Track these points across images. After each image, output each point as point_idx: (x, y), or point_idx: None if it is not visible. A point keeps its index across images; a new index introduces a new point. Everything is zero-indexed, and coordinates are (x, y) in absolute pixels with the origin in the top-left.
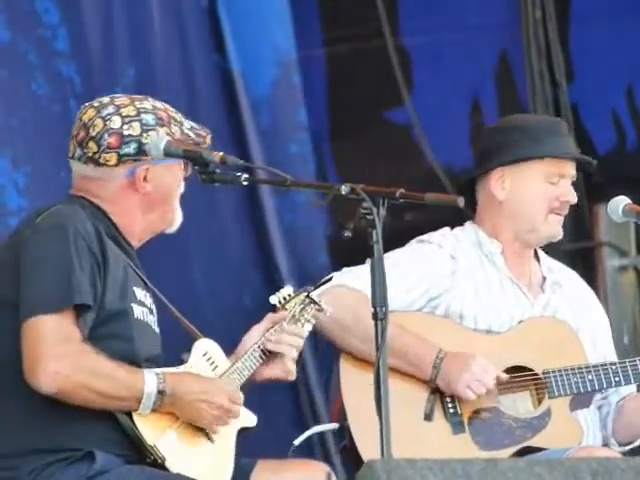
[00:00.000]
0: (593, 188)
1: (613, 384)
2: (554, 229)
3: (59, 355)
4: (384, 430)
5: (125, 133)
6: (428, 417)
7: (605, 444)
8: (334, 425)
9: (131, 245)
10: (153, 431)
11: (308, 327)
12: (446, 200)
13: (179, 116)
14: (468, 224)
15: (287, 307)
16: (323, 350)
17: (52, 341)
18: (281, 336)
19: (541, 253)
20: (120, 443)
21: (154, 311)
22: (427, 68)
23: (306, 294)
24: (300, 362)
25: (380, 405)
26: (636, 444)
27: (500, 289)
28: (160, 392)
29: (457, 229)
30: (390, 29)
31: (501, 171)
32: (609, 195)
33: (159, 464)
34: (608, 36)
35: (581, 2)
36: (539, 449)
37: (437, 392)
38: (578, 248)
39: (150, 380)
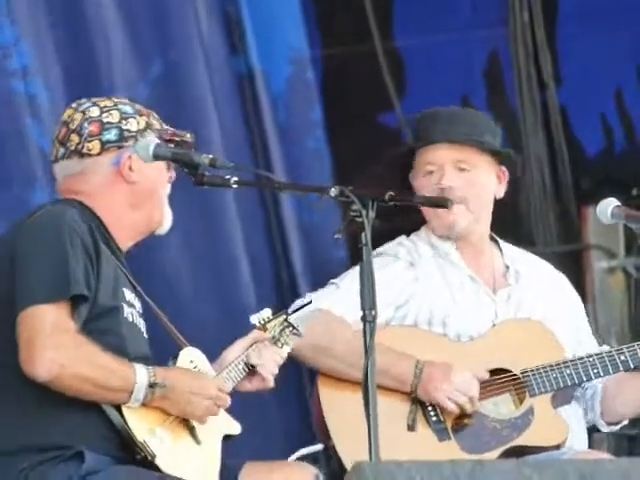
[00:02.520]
0: (581, 191)
1: (592, 376)
2: (444, 220)
3: (57, 345)
4: (372, 433)
5: (104, 120)
6: (411, 427)
7: (593, 425)
8: (319, 446)
9: (119, 249)
10: (143, 428)
11: (287, 349)
12: (435, 201)
13: (157, 116)
14: (422, 228)
15: (267, 327)
16: None
17: (49, 331)
18: (263, 350)
19: (503, 243)
20: (110, 440)
21: (142, 315)
22: (418, 70)
23: (285, 317)
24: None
25: (368, 407)
26: (625, 423)
27: (461, 290)
28: (151, 385)
29: (413, 235)
30: (381, 32)
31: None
32: (597, 197)
33: (148, 461)
34: (596, 39)
35: (569, 4)
36: (527, 448)
37: (418, 402)
38: (567, 250)
39: (141, 373)
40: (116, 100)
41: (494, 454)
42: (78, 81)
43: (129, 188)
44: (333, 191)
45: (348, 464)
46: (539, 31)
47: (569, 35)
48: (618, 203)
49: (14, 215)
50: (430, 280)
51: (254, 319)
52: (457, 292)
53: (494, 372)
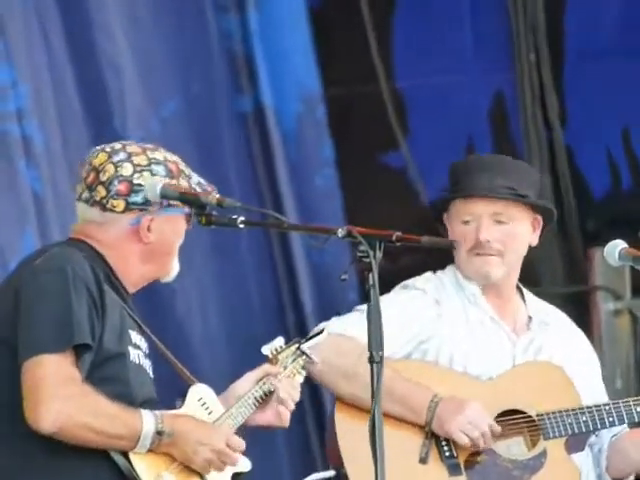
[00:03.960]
0: (588, 232)
1: (607, 424)
2: (479, 269)
3: (63, 396)
4: (379, 471)
5: (135, 182)
6: (423, 460)
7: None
8: (331, 472)
9: (126, 290)
10: (149, 472)
11: (299, 379)
12: (442, 243)
13: (188, 170)
14: (449, 267)
15: (279, 358)
16: (320, 396)
17: (55, 381)
18: (280, 385)
19: (527, 294)
20: None
21: (148, 355)
22: (422, 111)
23: (297, 346)
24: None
25: (375, 448)
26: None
27: (482, 330)
28: (159, 432)
29: (439, 272)
30: (385, 73)
31: (445, 214)
32: (604, 238)
33: None
34: (602, 78)
35: (575, 44)
36: None
37: (432, 436)
38: (573, 292)
39: (148, 420)
40: (150, 156)
41: None
42: (89, 119)
43: (143, 247)
44: (340, 232)
45: None
46: (545, 72)
47: (575, 75)
48: (625, 245)
49: (5, 259)
50: (454, 319)
51: (265, 350)
52: (478, 333)
53: (509, 413)
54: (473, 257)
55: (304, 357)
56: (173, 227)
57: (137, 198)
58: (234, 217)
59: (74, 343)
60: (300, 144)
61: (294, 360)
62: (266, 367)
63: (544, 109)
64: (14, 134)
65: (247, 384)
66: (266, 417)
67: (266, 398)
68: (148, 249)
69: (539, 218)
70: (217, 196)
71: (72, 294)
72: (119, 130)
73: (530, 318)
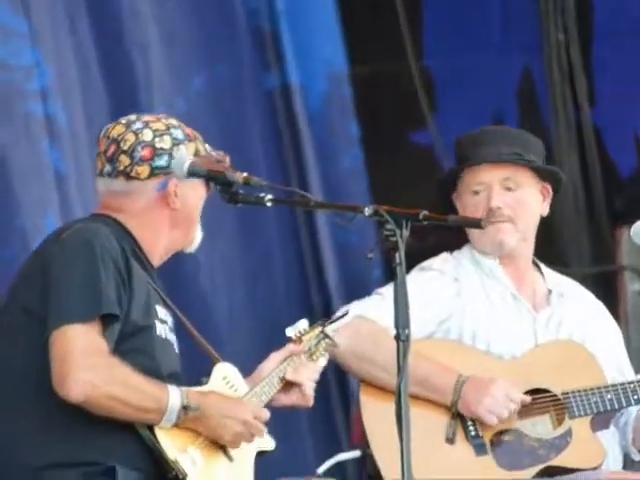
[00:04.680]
0: (615, 211)
1: (632, 402)
2: (493, 239)
3: (90, 366)
4: (404, 452)
5: (157, 146)
6: (450, 440)
7: (625, 453)
8: (357, 453)
9: (151, 265)
10: (174, 446)
11: (322, 361)
12: (469, 221)
13: (199, 135)
14: (465, 246)
15: (303, 339)
16: (345, 378)
17: (82, 351)
18: (299, 367)
19: (545, 268)
20: (142, 457)
21: (173, 331)
22: (450, 89)
23: (321, 329)
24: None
25: (401, 427)
26: None
27: (503, 306)
28: (184, 407)
29: (456, 252)
30: (413, 51)
31: (454, 193)
32: (631, 218)
33: None
34: (631, 59)
35: (604, 24)
36: (562, 468)
37: (458, 416)
38: (600, 272)
39: (174, 394)
40: (166, 122)
41: (530, 472)
42: (113, 99)
43: (171, 212)
44: (367, 210)
45: (385, 472)
46: (574, 52)
47: (604, 55)
48: None
49: (27, 240)
50: (474, 296)
51: (290, 331)
52: (499, 309)
53: (534, 392)
54: (486, 227)
55: (327, 340)
56: (197, 193)
57: (161, 162)
58: (261, 195)
59: (101, 313)
60: (326, 123)
61: (318, 342)
62: (291, 347)
63: (573, 89)
64: (37, 114)
65: (272, 365)
66: (290, 397)
67: None
68: (175, 215)
69: (548, 187)
70: (244, 174)
71: (100, 266)
72: (144, 110)
73: (550, 291)
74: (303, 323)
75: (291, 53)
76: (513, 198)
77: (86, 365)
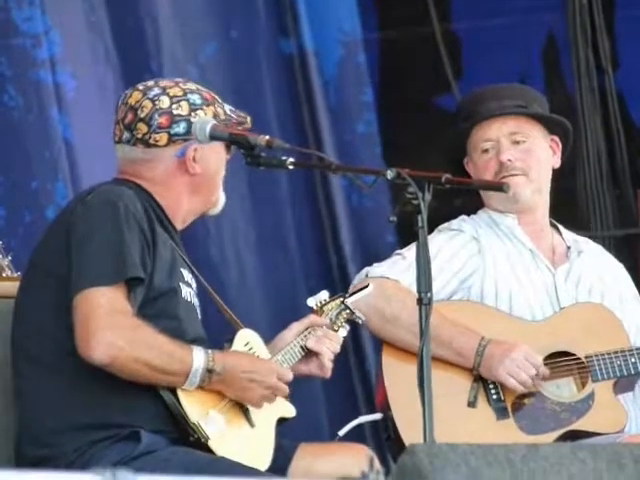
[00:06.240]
0: (638, 175)
1: None
2: (507, 194)
3: (114, 327)
4: (427, 414)
5: (175, 112)
6: (472, 404)
7: None
8: (378, 415)
9: (175, 229)
10: (197, 409)
11: (343, 332)
12: (492, 185)
13: (219, 98)
14: (481, 210)
15: (324, 310)
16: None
17: (107, 313)
18: (322, 337)
19: (563, 229)
20: (165, 421)
21: (197, 296)
22: (474, 52)
23: (341, 300)
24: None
25: (423, 389)
26: None
27: (523, 265)
28: (209, 370)
29: (472, 215)
30: (438, 15)
31: (465, 158)
32: None
33: (202, 443)
34: None
35: None
36: (584, 432)
37: (480, 379)
38: (623, 235)
39: (199, 356)
40: (184, 87)
41: (551, 436)
42: (125, 65)
43: (191, 178)
44: (389, 173)
45: (405, 435)
46: (597, 15)
47: (628, 19)
48: None
49: (38, 207)
50: (494, 254)
51: (311, 302)
52: (518, 267)
53: (558, 355)
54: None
55: (348, 311)
56: (217, 156)
57: (179, 129)
58: (284, 158)
59: (126, 276)
60: (340, 89)
61: (338, 313)
62: (312, 317)
63: (596, 52)
64: (46, 81)
65: (294, 333)
66: (308, 367)
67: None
68: (195, 180)
69: (556, 139)
70: (267, 137)
71: (124, 228)
72: (156, 76)
73: (568, 248)
74: (324, 294)
75: (306, 19)
76: (522, 150)
77: (110, 326)
